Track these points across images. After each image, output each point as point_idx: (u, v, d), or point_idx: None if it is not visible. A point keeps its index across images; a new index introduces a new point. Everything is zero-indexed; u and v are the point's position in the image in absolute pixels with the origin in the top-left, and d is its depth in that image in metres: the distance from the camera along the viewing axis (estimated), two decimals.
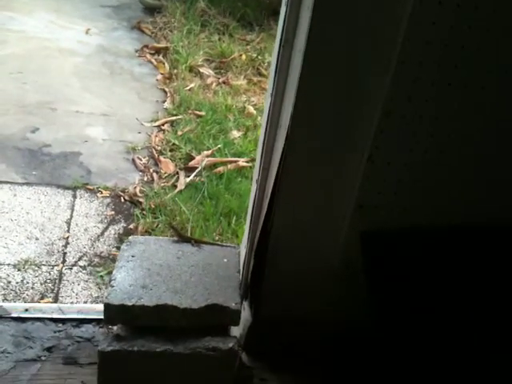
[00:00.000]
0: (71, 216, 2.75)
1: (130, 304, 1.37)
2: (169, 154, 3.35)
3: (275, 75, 1.34)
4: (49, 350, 1.55)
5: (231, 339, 1.43)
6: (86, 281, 2.40)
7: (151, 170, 3.20)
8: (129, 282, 1.43)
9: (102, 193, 2.95)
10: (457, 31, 1.19)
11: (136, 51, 4.63)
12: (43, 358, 1.52)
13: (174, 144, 3.42)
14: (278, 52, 1.31)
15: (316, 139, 1.32)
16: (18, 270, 2.37)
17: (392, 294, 1.40)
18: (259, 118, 3.74)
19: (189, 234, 2.55)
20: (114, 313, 1.37)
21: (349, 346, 1.53)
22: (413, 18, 1.15)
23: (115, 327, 1.44)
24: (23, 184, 2.90)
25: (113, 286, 1.41)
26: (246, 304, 1.59)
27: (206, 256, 1.58)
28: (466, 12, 1.17)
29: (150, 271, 1.48)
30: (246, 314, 1.57)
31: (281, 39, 1.30)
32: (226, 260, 1.58)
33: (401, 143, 1.33)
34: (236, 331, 1.58)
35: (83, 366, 1.51)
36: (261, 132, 1.47)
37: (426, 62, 1.22)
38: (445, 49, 1.21)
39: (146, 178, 3.13)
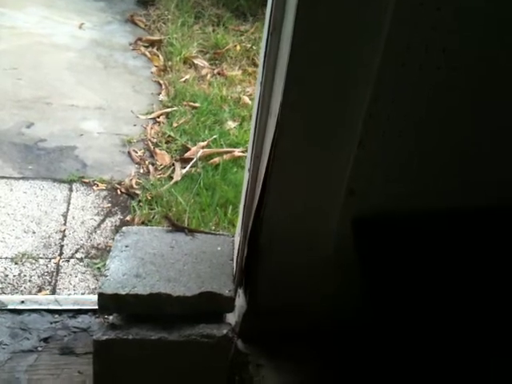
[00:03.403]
0: (68, 209, 2.76)
1: (124, 293, 1.37)
2: (164, 145, 3.35)
3: (264, 63, 1.34)
4: (45, 340, 1.56)
5: (225, 326, 1.44)
6: (84, 273, 2.41)
7: (147, 162, 3.20)
8: (122, 272, 1.44)
9: (98, 186, 2.96)
10: None
11: (130, 44, 4.62)
12: (40, 349, 1.53)
13: (169, 136, 3.43)
14: (267, 40, 1.31)
15: (306, 125, 1.32)
16: (16, 263, 2.38)
17: (386, 280, 1.40)
18: None
19: (185, 225, 2.55)
20: (108, 302, 1.38)
21: (345, 333, 1.53)
22: None
23: (111, 317, 1.45)
24: (19, 178, 2.91)
25: (106, 276, 1.42)
26: (240, 291, 1.60)
27: (199, 244, 1.58)
28: None
29: (143, 260, 1.49)
30: (240, 301, 1.58)
31: (269, 26, 1.29)
32: (219, 248, 1.58)
33: (391, 128, 1.33)
34: (232, 318, 1.59)
35: (79, 355, 1.53)
36: (252, 121, 1.47)
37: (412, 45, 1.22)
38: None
39: (142, 170, 3.14)
